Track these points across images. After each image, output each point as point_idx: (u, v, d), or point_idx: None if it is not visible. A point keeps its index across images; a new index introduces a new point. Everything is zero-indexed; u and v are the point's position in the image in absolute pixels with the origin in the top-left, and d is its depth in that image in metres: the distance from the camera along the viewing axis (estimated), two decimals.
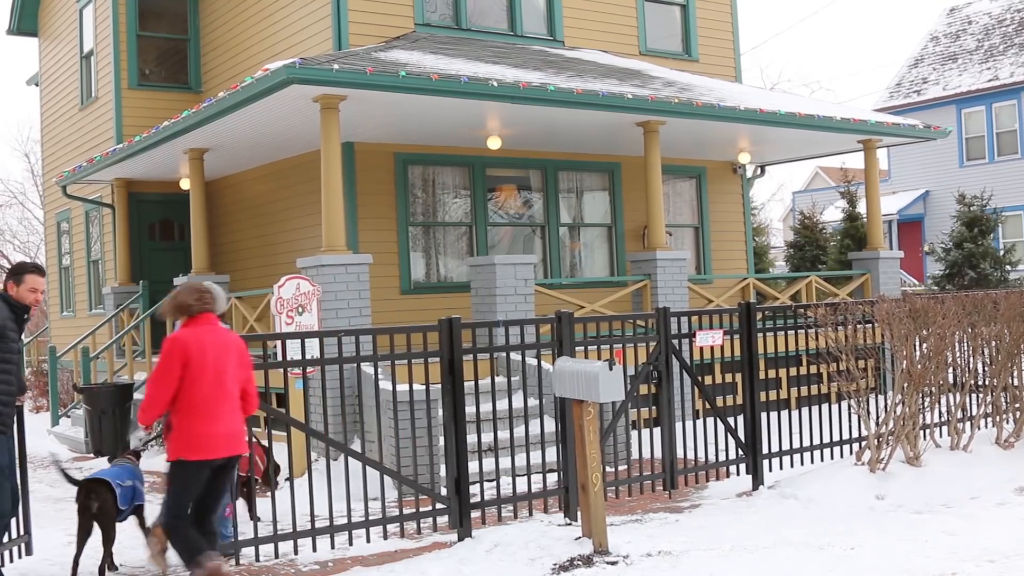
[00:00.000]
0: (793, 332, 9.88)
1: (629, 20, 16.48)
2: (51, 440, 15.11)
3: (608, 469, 9.32)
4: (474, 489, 8.47)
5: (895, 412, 8.79)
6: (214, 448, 6.10)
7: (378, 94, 11.18)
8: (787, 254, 25.97)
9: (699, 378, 9.27)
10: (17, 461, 7.04)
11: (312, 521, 7.34)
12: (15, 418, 7.04)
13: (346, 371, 10.56)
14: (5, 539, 7.12)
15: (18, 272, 6.88)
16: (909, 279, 28.11)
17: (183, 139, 13.46)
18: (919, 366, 8.92)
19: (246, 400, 6.41)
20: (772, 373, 10.64)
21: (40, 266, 7.10)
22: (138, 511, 7.45)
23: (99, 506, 7.08)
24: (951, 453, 9.38)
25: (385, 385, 9.89)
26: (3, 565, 7.19)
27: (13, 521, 7.13)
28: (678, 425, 9.54)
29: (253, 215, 15.94)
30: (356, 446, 10.29)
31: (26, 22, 21.35)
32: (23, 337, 7.29)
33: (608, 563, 6.68)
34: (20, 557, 7.48)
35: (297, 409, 9.87)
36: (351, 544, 7.55)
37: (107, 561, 7.18)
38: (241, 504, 8.11)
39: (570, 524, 7.71)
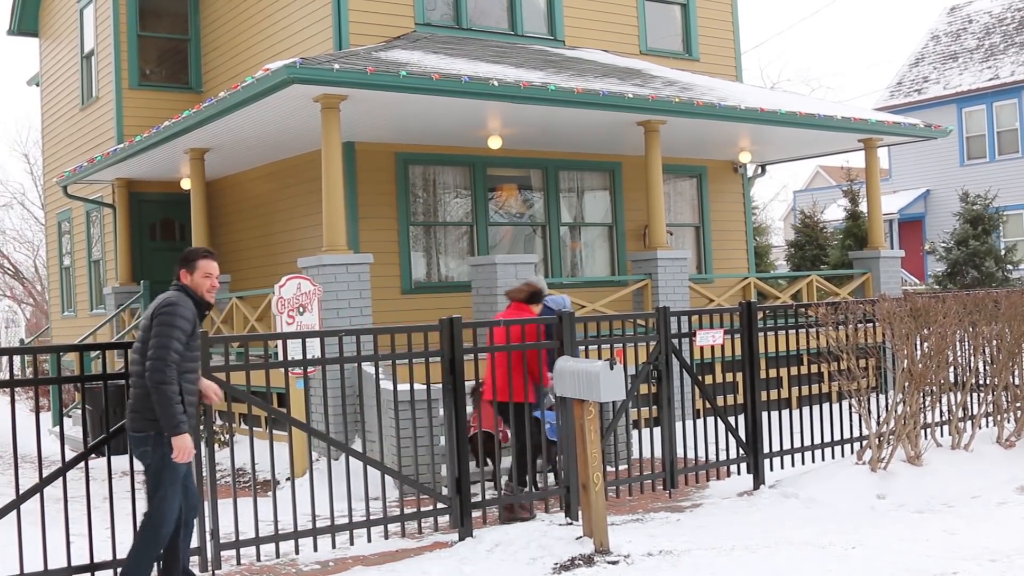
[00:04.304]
0: (794, 331, 9.87)
1: (629, 19, 16.48)
2: (52, 439, 15.11)
3: (609, 468, 9.32)
4: (475, 488, 8.47)
5: (896, 411, 8.79)
6: None
7: (379, 94, 11.17)
8: (788, 253, 25.97)
9: (699, 377, 9.27)
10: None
11: (313, 520, 7.34)
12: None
13: (347, 371, 10.57)
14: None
15: (190, 259, 6.31)
16: (910, 278, 28.09)
17: (184, 139, 13.46)
18: (920, 365, 8.92)
19: None
20: (773, 372, 10.64)
21: (211, 251, 6.51)
22: None
23: None
24: (952, 452, 9.38)
25: (386, 385, 9.90)
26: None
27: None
28: (679, 424, 9.54)
29: (254, 215, 15.94)
30: (357, 446, 10.30)
31: (26, 22, 21.35)
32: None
33: (609, 562, 6.67)
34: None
35: (298, 409, 9.88)
36: (352, 543, 7.55)
37: None
38: None
39: (571, 524, 7.70)
